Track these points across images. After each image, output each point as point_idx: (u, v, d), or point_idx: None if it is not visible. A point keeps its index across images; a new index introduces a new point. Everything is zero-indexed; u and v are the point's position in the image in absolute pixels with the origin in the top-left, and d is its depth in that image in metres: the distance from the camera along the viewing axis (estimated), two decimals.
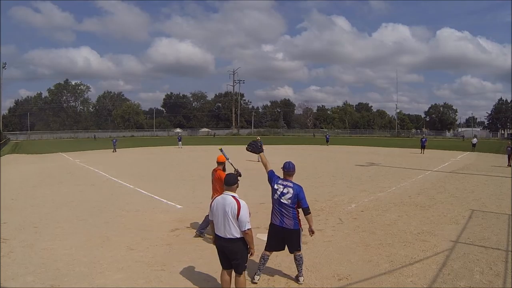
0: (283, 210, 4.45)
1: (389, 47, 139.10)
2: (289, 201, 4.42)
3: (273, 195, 4.55)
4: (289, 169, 4.58)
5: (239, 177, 6.11)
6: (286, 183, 4.51)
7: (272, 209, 4.59)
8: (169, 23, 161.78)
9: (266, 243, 4.65)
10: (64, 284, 4.54)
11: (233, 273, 4.04)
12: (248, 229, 3.82)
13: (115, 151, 29.42)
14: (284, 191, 4.46)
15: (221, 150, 6.69)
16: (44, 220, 7.73)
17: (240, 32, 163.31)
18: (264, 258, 4.64)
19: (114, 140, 31.16)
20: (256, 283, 4.57)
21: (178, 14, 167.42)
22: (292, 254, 4.63)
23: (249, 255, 4.00)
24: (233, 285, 4.05)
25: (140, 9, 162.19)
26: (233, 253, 3.88)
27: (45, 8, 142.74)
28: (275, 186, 4.53)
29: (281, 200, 4.45)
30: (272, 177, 4.63)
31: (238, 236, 3.83)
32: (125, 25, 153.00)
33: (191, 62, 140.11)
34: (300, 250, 4.59)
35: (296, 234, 4.50)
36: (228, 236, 3.83)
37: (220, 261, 4.06)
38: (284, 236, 4.50)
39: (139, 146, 39.63)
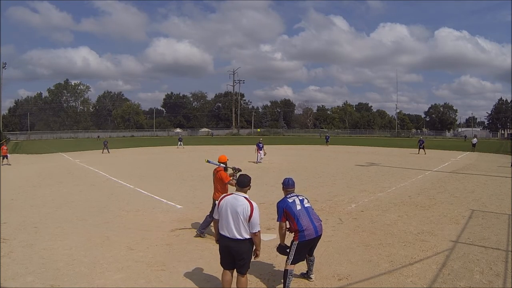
0: (312, 215, 4.35)
1: (388, 47, 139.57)
2: (309, 204, 4.48)
3: (294, 209, 4.27)
4: (288, 185, 4.51)
5: (239, 172, 6.18)
6: (295, 194, 4.48)
7: (299, 228, 4.20)
8: (166, 23, 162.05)
9: (293, 259, 4.27)
10: (64, 284, 4.54)
11: (235, 273, 4.01)
12: (258, 231, 3.82)
13: (108, 152, 28.80)
14: (301, 198, 4.43)
15: (208, 161, 6.67)
16: (44, 220, 7.73)
17: (237, 32, 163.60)
18: (291, 274, 4.29)
19: (105, 142, 30.55)
20: None
21: (175, 14, 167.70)
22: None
23: (254, 257, 3.98)
24: (234, 285, 4.03)
25: (138, 9, 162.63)
26: (240, 254, 3.83)
27: (43, 8, 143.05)
28: (290, 200, 4.35)
29: (305, 205, 4.38)
30: (279, 205, 4.36)
31: (247, 237, 3.81)
32: (123, 25, 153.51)
33: (189, 62, 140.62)
34: None
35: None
36: (237, 237, 3.79)
37: (223, 260, 4.00)
38: (314, 243, 4.45)
39: (139, 146, 39.64)
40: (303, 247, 4.29)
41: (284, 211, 4.28)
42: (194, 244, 6.14)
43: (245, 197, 3.89)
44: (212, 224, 5.96)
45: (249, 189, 4.05)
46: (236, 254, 3.84)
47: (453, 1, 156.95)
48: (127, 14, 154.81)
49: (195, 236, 6.53)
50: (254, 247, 3.95)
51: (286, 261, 4.31)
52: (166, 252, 5.77)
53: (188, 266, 5.14)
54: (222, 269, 4.07)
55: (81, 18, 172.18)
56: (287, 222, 4.32)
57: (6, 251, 5.66)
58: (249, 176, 4.12)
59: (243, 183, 3.99)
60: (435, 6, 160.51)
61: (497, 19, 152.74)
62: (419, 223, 7.40)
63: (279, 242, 4.43)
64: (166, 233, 6.83)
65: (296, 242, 4.24)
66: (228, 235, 3.83)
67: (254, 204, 3.83)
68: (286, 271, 4.27)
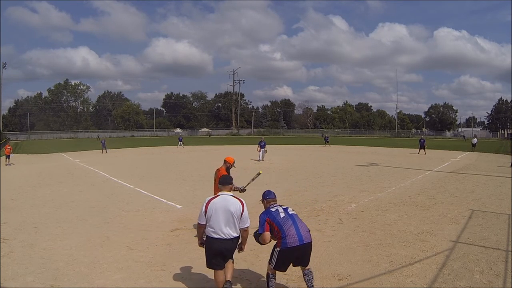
0: (297, 223, 4.12)
1: (387, 47, 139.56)
2: (294, 212, 4.29)
3: (277, 217, 4.10)
4: (269, 195, 4.40)
5: (242, 192, 5.95)
6: (278, 204, 4.33)
7: (282, 235, 4.02)
8: (165, 23, 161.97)
9: (275, 264, 4.11)
10: (64, 284, 4.54)
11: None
12: (248, 226, 3.99)
13: (106, 152, 28.76)
14: (284, 207, 4.26)
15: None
16: (44, 220, 7.73)
17: (236, 32, 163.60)
18: (274, 278, 4.20)
19: (103, 141, 30.47)
20: None
21: (173, 15, 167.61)
22: (301, 269, 4.28)
23: (238, 250, 4.11)
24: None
25: (136, 9, 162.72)
26: (231, 252, 4.00)
27: (42, 8, 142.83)
28: (273, 209, 4.20)
29: (290, 212, 4.19)
30: (262, 216, 4.18)
31: (238, 234, 3.96)
32: (122, 25, 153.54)
33: (188, 62, 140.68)
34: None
35: (311, 247, 4.19)
36: (234, 235, 3.89)
37: (214, 264, 3.91)
38: (303, 252, 4.10)
39: (139, 146, 39.63)
40: (286, 255, 4.04)
41: (267, 222, 4.09)
42: (194, 244, 6.12)
43: (232, 196, 4.00)
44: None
45: (231, 188, 4.22)
46: (229, 252, 3.97)
47: (452, 1, 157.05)
48: (126, 14, 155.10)
49: (196, 236, 6.52)
50: (240, 241, 4.06)
51: (269, 263, 4.17)
52: (166, 252, 5.78)
53: (188, 266, 5.14)
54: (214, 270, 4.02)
55: (80, 18, 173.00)
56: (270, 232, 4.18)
57: (6, 251, 5.66)
58: (229, 176, 4.34)
59: (226, 182, 4.11)
60: (434, 6, 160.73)
61: (497, 19, 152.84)
62: (419, 223, 7.39)
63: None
64: (166, 233, 6.83)
65: (278, 249, 4.06)
66: (223, 237, 3.82)
67: (244, 203, 3.99)
68: (267, 274, 4.18)
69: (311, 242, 4.18)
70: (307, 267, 4.21)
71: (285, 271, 4.25)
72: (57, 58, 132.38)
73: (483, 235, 6.51)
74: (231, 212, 3.83)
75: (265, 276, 4.60)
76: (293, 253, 4.05)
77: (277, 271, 4.22)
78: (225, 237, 3.83)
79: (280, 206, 4.31)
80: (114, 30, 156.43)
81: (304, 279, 4.20)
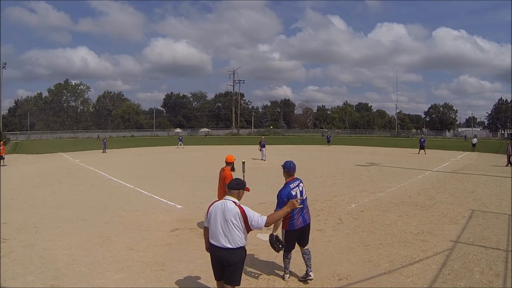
0: (304, 207, 4.54)
1: (386, 46, 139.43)
2: (305, 192, 4.62)
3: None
4: (289, 169, 4.55)
5: None
6: (296, 182, 4.53)
7: (291, 217, 4.41)
8: (163, 23, 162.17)
9: (286, 248, 4.48)
10: (64, 284, 4.54)
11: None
12: (265, 223, 3.45)
13: (105, 152, 28.83)
14: (301, 190, 4.53)
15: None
16: (44, 220, 7.73)
17: (235, 32, 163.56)
18: (288, 257, 4.70)
19: (105, 141, 30.56)
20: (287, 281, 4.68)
21: (171, 15, 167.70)
22: (300, 252, 4.72)
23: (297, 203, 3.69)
24: None
25: (134, 9, 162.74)
26: (230, 264, 3.50)
27: (40, 8, 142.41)
28: (293, 192, 4.38)
29: (304, 197, 4.54)
30: (282, 195, 4.31)
31: (239, 245, 3.48)
32: (120, 25, 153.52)
33: (187, 62, 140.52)
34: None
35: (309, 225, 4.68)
36: (228, 246, 3.45)
37: (214, 271, 3.71)
38: (304, 231, 4.58)
39: (139, 146, 39.62)
40: (295, 235, 4.53)
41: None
42: (194, 244, 6.14)
43: (233, 201, 3.52)
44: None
45: (239, 193, 3.64)
46: (226, 263, 3.51)
47: (452, 0, 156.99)
48: (124, 14, 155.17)
49: (197, 235, 6.52)
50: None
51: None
52: (166, 252, 5.78)
53: (188, 266, 5.14)
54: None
55: (79, 18, 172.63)
56: None
57: (6, 251, 5.67)
58: (240, 179, 3.78)
59: (231, 186, 3.63)
60: (433, 5, 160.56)
61: (496, 19, 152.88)
62: (419, 223, 7.40)
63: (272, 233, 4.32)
64: (166, 233, 6.83)
65: (289, 230, 4.49)
66: (217, 244, 3.52)
67: (244, 207, 3.50)
68: (284, 256, 4.69)
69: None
70: (307, 246, 4.69)
71: (291, 250, 4.66)
72: (56, 58, 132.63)
73: (483, 235, 6.52)
74: (226, 219, 3.45)
75: (264, 275, 4.66)
76: (299, 233, 4.53)
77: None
78: (219, 245, 3.50)
79: (298, 185, 4.50)
80: (112, 30, 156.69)
81: (303, 257, 4.67)
